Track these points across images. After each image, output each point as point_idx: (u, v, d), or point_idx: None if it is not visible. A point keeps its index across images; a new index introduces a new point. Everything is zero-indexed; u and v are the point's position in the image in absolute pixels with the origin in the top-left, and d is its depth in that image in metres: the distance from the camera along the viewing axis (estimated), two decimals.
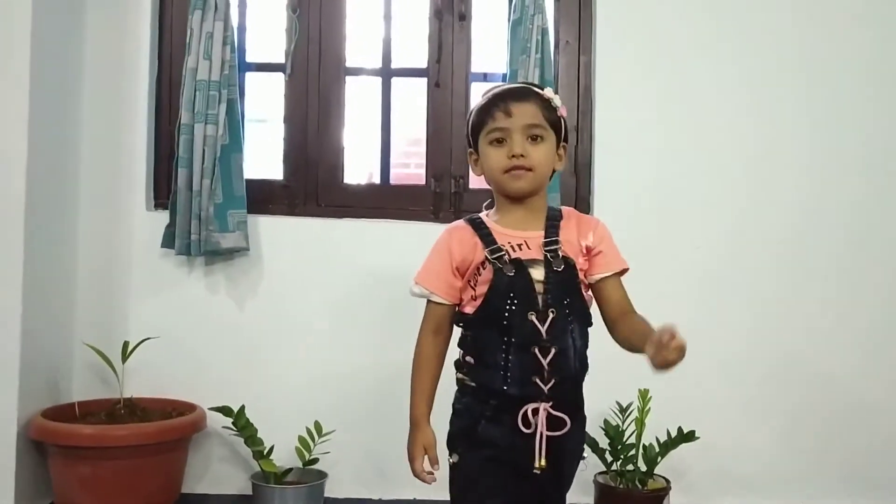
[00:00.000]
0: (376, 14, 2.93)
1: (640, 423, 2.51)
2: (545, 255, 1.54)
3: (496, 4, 2.90)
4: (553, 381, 1.49)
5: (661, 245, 2.76)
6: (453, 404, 1.61)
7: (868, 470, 2.77)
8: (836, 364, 2.78)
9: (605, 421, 2.56)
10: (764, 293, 2.78)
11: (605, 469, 2.56)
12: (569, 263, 1.54)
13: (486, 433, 1.53)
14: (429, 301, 1.62)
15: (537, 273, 1.52)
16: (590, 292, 1.62)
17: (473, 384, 1.56)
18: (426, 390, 1.60)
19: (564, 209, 1.65)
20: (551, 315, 1.50)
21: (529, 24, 2.67)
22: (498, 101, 1.59)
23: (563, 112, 1.63)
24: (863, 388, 2.77)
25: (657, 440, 2.54)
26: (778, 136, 2.79)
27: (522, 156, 1.54)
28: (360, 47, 2.94)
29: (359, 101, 2.97)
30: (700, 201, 2.78)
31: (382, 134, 2.95)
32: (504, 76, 2.77)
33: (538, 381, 1.49)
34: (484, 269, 1.54)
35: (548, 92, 1.62)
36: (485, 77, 2.95)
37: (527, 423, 1.49)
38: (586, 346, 1.58)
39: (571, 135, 2.84)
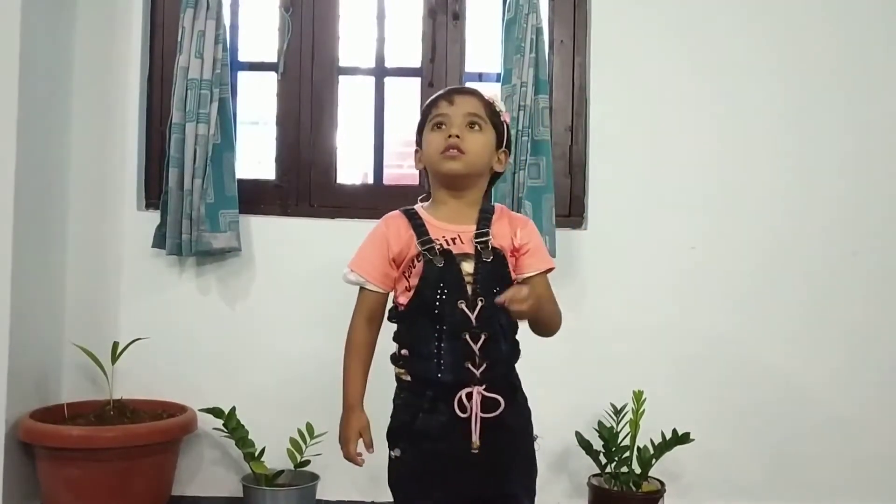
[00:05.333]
0: (370, 13, 2.92)
1: (635, 424, 2.50)
2: (476, 248, 1.60)
3: (490, 4, 2.89)
4: (484, 365, 1.55)
5: (654, 245, 2.75)
6: (393, 400, 1.66)
7: (862, 476, 2.76)
8: (832, 368, 2.77)
9: (600, 423, 2.55)
10: (760, 295, 2.77)
11: (599, 471, 2.55)
12: (498, 254, 1.60)
13: (424, 425, 1.59)
14: (362, 288, 1.68)
15: (468, 266, 1.59)
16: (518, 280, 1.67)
17: (409, 378, 1.62)
18: (359, 375, 1.68)
19: (497, 206, 1.70)
20: (480, 303, 1.56)
21: (523, 23, 2.66)
22: (444, 94, 1.70)
23: (505, 118, 1.71)
24: (859, 394, 2.76)
25: (652, 442, 2.53)
26: (771, 138, 2.78)
27: (458, 136, 1.61)
28: (353, 47, 2.93)
29: (352, 100, 2.96)
30: (694, 202, 2.77)
31: (376, 134, 2.93)
32: (498, 76, 2.76)
33: (470, 366, 1.55)
34: (418, 261, 1.60)
35: (492, 96, 1.71)
36: (479, 77, 2.94)
37: (462, 408, 1.54)
38: (515, 331, 1.64)
39: (565, 135, 2.84)
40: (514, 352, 1.65)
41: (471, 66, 2.90)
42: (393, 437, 1.64)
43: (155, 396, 2.68)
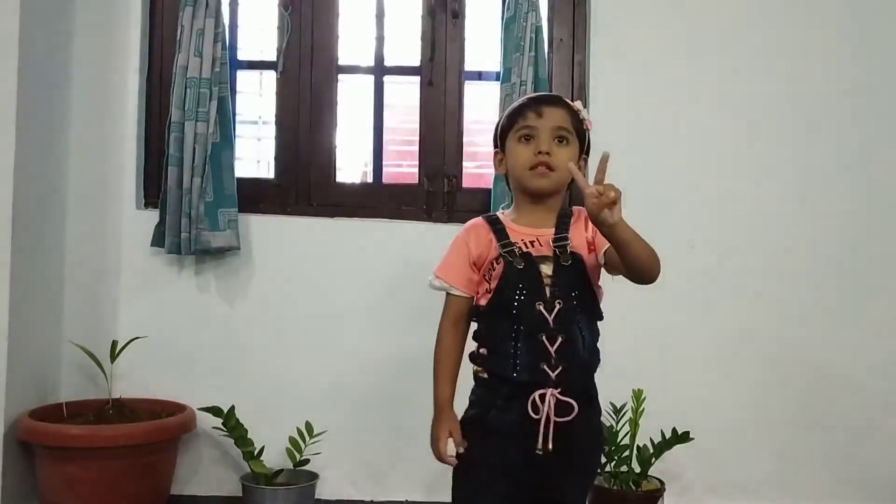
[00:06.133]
0: (369, 12, 2.91)
1: (634, 423, 2.49)
2: (554, 251, 1.61)
3: (489, 2, 2.89)
4: (560, 367, 1.55)
5: (655, 244, 2.73)
6: (469, 397, 1.66)
7: (863, 473, 2.76)
8: (831, 366, 2.77)
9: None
10: (759, 294, 2.77)
11: (598, 470, 2.54)
12: (576, 258, 1.61)
13: (496, 421, 1.59)
14: (448, 294, 1.70)
15: (546, 268, 1.60)
16: (601, 287, 1.68)
17: (486, 375, 1.62)
18: (448, 377, 1.67)
19: (575, 208, 1.70)
20: (558, 306, 1.57)
21: (523, 22, 2.65)
22: (530, 103, 1.69)
23: (588, 125, 1.71)
24: (861, 391, 2.76)
25: (651, 441, 2.53)
26: (774, 136, 2.78)
27: (548, 153, 1.62)
28: (352, 45, 2.93)
29: (351, 99, 2.95)
30: (695, 200, 2.77)
31: (375, 132, 2.93)
32: (498, 74, 2.76)
33: (545, 367, 1.55)
34: (497, 263, 1.62)
35: (577, 104, 1.71)
36: (479, 75, 2.93)
37: (536, 409, 1.54)
38: (595, 338, 1.65)
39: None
40: (594, 359, 1.64)
41: (470, 65, 2.90)
42: (463, 430, 1.64)
43: (154, 395, 2.68)
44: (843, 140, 2.78)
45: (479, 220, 1.71)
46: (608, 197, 1.43)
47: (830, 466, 2.75)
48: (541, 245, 1.62)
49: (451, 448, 1.62)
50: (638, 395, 2.50)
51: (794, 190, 2.78)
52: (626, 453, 2.50)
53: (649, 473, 2.54)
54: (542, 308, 1.56)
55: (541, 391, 1.54)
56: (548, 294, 1.58)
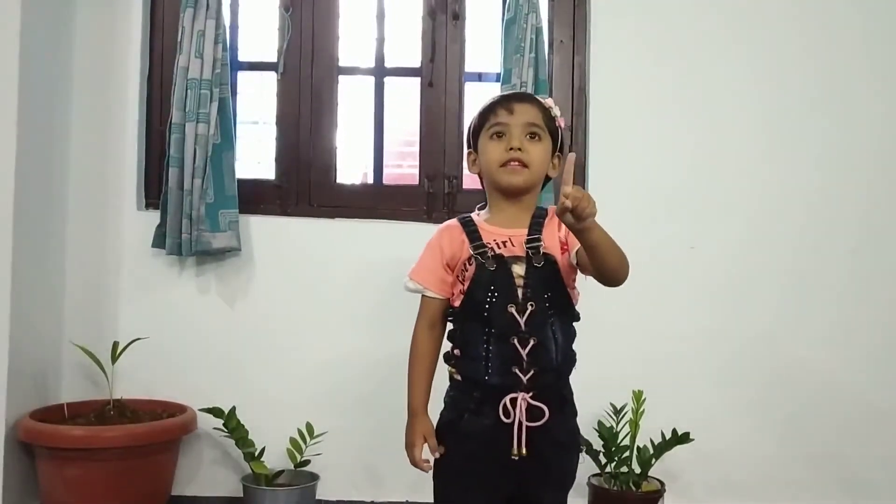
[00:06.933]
0: (369, 13, 2.91)
1: (635, 424, 2.50)
2: (527, 252, 1.59)
3: (490, 4, 2.89)
4: (532, 371, 1.54)
5: (654, 246, 2.75)
6: (444, 398, 1.66)
7: (862, 475, 2.76)
8: (832, 368, 2.77)
9: (599, 422, 2.55)
10: (758, 295, 2.77)
11: (598, 471, 2.55)
12: (549, 260, 1.59)
13: (469, 426, 1.59)
14: (423, 296, 1.69)
15: (518, 269, 1.58)
16: (576, 289, 1.66)
17: (460, 377, 1.62)
18: (423, 381, 1.67)
19: (549, 208, 1.69)
20: (530, 308, 1.56)
21: (523, 23, 2.66)
22: (501, 100, 1.69)
23: (560, 122, 1.71)
24: (860, 393, 2.77)
25: (651, 442, 2.53)
26: (773, 137, 2.78)
27: (520, 149, 1.61)
28: (353, 46, 2.93)
29: (352, 100, 2.95)
30: (694, 202, 2.77)
31: (375, 134, 2.93)
32: (498, 76, 2.76)
33: (517, 370, 1.54)
34: (470, 264, 1.61)
35: (549, 101, 1.70)
36: (479, 77, 2.94)
37: (507, 413, 1.53)
38: (570, 341, 1.63)
39: (564, 135, 2.83)
40: (567, 362, 1.62)
41: (470, 66, 2.90)
42: (439, 434, 1.64)
43: (155, 396, 2.68)
44: (846, 140, 2.78)
45: (453, 221, 1.71)
46: (582, 210, 1.40)
47: (830, 467, 2.76)
48: (513, 245, 1.60)
49: (425, 454, 1.62)
50: (638, 396, 2.50)
51: (794, 191, 2.78)
52: (627, 454, 2.50)
53: (649, 474, 2.54)
54: (513, 311, 1.55)
55: (512, 395, 1.53)
56: (520, 296, 1.56)
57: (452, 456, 1.61)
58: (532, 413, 1.53)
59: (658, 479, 2.55)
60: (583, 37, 2.84)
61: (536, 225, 1.63)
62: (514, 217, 1.65)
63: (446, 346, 1.68)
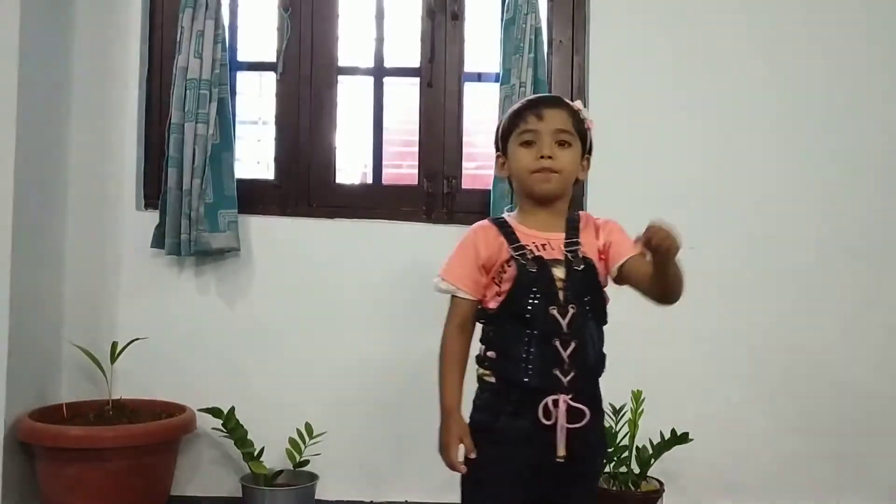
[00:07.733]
0: (368, 13, 2.91)
1: (634, 424, 2.50)
2: (566, 256, 1.60)
3: (489, 4, 2.89)
4: (572, 373, 1.55)
5: None
6: (473, 400, 1.65)
7: (863, 474, 2.76)
8: (832, 366, 2.77)
9: None
10: (759, 295, 2.77)
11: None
12: (588, 263, 1.61)
13: (505, 428, 1.58)
14: (454, 297, 1.66)
15: (559, 272, 1.59)
16: (606, 292, 1.67)
17: (493, 380, 1.61)
18: (456, 382, 1.64)
19: (581, 213, 1.71)
20: (571, 310, 1.56)
21: (522, 23, 2.66)
22: (531, 106, 1.68)
23: (590, 125, 1.71)
24: (862, 391, 2.77)
25: (651, 442, 2.53)
26: (775, 136, 2.78)
27: (550, 157, 1.62)
28: (352, 47, 2.93)
29: (351, 100, 2.96)
30: (694, 201, 2.77)
31: (374, 134, 2.93)
32: (497, 76, 2.76)
33: (558, 372, 1.54)
34: (509, 266, 1.60)
35: (577, 104, 1.71)
36: (478, 77, 2.94)
37: (547, 415, 1.53)
38: (602, 343, 1.64)
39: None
40: (601, 364, 1.63)
41: (470, 67, 2.90)
42: (471, 435, 1.61)
43: (154, 396, 2.68)
44: (848, 140, 2.78)
45: (486, 222, 1.70)
46: (666, 245, 1.48)
47: (830, 466, 2.76)
48: (552, 248, 1.61)
49: (461, 455, 1.60)
50: (637, 396, 2.50)
51: (795, 190, 2.78)
52: (626, 454, 2.50)
53: (648, 474, 2.54)
54: (555, 312, 1.55)
55: (553, 397, 1.53)
56: (561, 298, 1.56)
57: (485, 458, 1.58)
58: (571, 414, 1.54)
59: (657, 479, 2.55)
60: (582, 37, 2.85)
61: (573, 229, 1.64)
62: (547, 221, 1.65)
63: (476, 348, 1.66)
